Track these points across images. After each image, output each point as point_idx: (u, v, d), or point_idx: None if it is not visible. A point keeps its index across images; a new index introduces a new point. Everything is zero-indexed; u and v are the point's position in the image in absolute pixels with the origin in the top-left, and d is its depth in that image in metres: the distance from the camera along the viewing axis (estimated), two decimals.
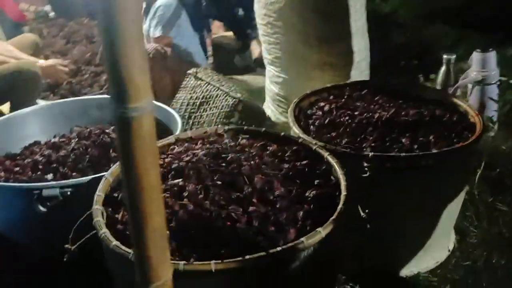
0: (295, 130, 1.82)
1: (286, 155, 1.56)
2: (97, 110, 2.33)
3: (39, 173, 1.80)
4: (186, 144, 1.63)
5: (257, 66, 3.88)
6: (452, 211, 1.86)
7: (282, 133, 1.70)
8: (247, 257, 1.13)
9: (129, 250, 1.17)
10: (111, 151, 1.84)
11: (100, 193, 1.40)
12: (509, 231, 1.99)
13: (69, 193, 1.59)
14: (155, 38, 3.34)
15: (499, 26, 3.60)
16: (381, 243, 1.79)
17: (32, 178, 1.79)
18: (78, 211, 1.35)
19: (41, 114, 2.26)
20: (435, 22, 4.15)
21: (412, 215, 1.73)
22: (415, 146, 1.72)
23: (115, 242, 1.20)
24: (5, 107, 3.07)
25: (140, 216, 0.67)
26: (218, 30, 4.65)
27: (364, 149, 1.73)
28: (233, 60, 4.10)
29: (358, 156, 1.63)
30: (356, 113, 1.96)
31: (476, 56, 2.56)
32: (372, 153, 1.63)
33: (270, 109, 2.73)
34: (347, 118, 1.92)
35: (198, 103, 2.65)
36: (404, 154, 1.63)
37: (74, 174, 1.75)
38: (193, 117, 2.64)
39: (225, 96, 2.56)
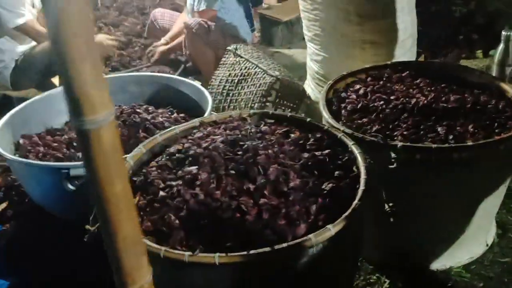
0: (324, 115, 1.76)
1: (308, 143, 1.51)
2: (136, 86, 2.37)
3: (72, 150, 1.87)
4: (208, 129, 1.61)
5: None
6: (490, 205, 1.75)
7: (308, 119, 1.64)
8: (252, 251, 1.11)
9: None
10: (140, 131, 1.86)
11: None
12: None
13: None
14: (199, 12, 3.31)
15: None
16: (409, 235, 1.72)
17: (66, 155, 1.85)
18: None
19: None
20: None
21: (444, 209, 1.64)
22: (451, 137, 1.61)
23: None
24: (56, 79, 3.20)
25: (109, 225, 0.67)
26: (270, 0, 4.56)
27: (395, 138, 1.64)
28: (280, 33, 4.01)
29: (386, 146, 1.56)
30: (392, 97, 1.86)
31: None
32: (401, 143, 1.54)
33: (310, 87, 2.66)
34: (381, 103, 1.83)
35: (236, 81, 2.62)
36: (435, 145, 1.53)
37: None
38: (231, 94, 2.62)
39: (263, 74, 2.51)
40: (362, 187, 1.29)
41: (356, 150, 1.45)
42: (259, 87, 2.51)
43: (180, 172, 1.39)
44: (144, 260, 0.74)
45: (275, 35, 4.01)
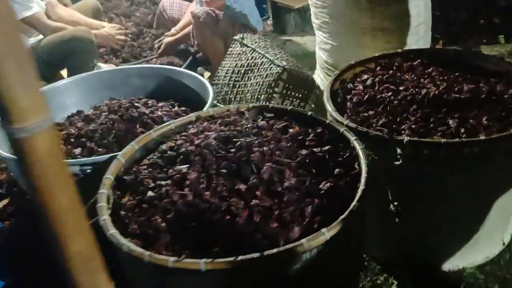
0: (328, 108, 1.67)
1: (307, 139, 1.43)
2: (138, 79, 2.31)
3: (69, 146, 1.82)
4: (204, 124, 1.54)
5: None
6: (507, 202, 1.63)
7: (310, 113, 1.56)
8: (240, 257, 1.04)
9: (124, 241, 1.13)
10: (137, 126, 1.81)
11: (109, 176, 1.36)
12: None
13: (88, 170, 1.59)
14: (207, 1, 3.23)
15: None
16: (418, 234, 1.63)
17: (65, 150, 1.80)
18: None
19: (83, 84, 2.28)
20: None
21: (456, 207, 1.54)
22: (462, 130, 1.50)
23: (112, 231, 1.17)
24: (63, 72, 3.17)
25: (56, 241, 0.60)
26: None
27: (402, 132, 1.55)
28: (293, 20, 3.90)
29: (391, 141, 1.46)
30: (401, 88, 1.75)
31: None
32: (408, 137, 1.44)
33: (319, 77, 2.57)
34: (389, 94, 1.73)
35: (242, 71, 2.53)
36: (444, 140, 1.42)
37: (100, 149, 1.74)
38: (237, 85, 2.54)
39: (270, 64, 2.42)
40: (362, 186, 1.21)
41: (358, 146, 1.36)
42: (265, 77, 2.42)
43: (170, 171, 1.32)
44: (101, 277, 0.67)
45: (287, 23, 3.90)
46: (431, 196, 1.51)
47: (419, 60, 1.95)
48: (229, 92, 2.57)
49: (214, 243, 1.12)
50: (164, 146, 1.44)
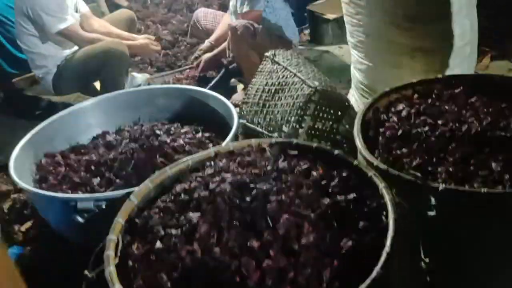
0: (358, 144, 1.55)
1: (331, 184, 1.31)
2: (164, 99, 2.26)
3: (88, 175, 1.78)
4: (222, 162, 1.45)
5: None
6: None
7: (336, 152, 1.44)
8: None
9: None
10: (157, 156, 1.74)
11: (119, 219, 1.30)
12: None
13: (103, 206, 1.53)
14: (242, 13, 3.13)
15: None
16: None
17: (82, 180, 1.77)
18: None
19: (109, 104, 2.24)
20: None
21: (501, 270, 1.38)
22: (507, 176, 1.34)
23: (116, 286, 1.10)
24: (97, 83, 3.16)
25: None
26: None
27: (439, 175, 1.40)
28: (331, 31, 3.75)
29: (425, 187, 1.32)
30: (440, 121, 1.60)
31: None
32: (444, 185, 1.30)
33: (354, 97, 2.43)
34: (426, 129, 1.58)
35: (273, 90, 2.42)
36: (485, 190, 1.27)
37: (118, 180, 1.69)
38: (267, 105, 2.43)
39: (301, 85, 2.30)
40: (388, 248, 1.08)
41: (387, 196, 1.24)
42: (296, 98, 2.30)
43: (182, 218, 1.24)
44: None
45: (325, 33, 3.76)
46: (471, 255, 1.36)
47: (461, 88, 1.78)
48: (259, 111, 2.47)
49: None
50: (178, 188, 1.36)
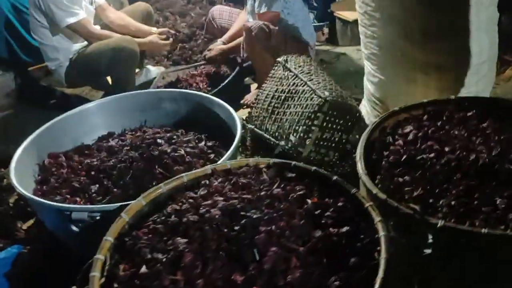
0: (359, 168, 1.49)
1: (325, 214, 1.27)
2: (170, 103, 2.23)
3: (88, 180, 1.77)
4: (216, 182, 1.42)
5: None
6: None
7: (335, 178, 1.39)
8: None
9: None
10: (157, 166, 1.72)
11: (108, 238, 1.28)
12: None
13: (98, 217, 1.52)
14: (259, 14, 3.07)
15: None
16: None
17: (81, 185, 1.76)
18: None
19: (116, 105, 2.23)
20: None
21: None
22: (511, 216, 1.29)
23: None
24: (108, 79, 3.16)
25: None
26: None
27: (439, 209, 1.35)
28: (350, 33, 3.67)
29: (423, 223, 1.27)
30: (447, 148, 1.54)
31: None
32: (442, 222, 1.25)
33: (366, 108, 2.36)
34: (432, 155, 1.52)
35: (283, 98, 2.38)
36: (486, 230, 1.21)
37: (115, 190, 1.68)
38: (276, 112, 2.39)
39: (311, 94, 2.25)
40: None
41: (381, 231, 1.19)
42: (305, 108, 2.25)
43: (170, 242, 1.22)
44: None
45: (343, 34, 3.67)
46: None
47: (474, 111, 1.71)
48: (268, 118, 2.43)
49: None
50: (169, 208, 1.34)
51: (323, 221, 1.25)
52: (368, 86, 2.26)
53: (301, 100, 2.28)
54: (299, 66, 2.42)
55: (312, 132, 2.23)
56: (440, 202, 1.37)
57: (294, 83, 2.35)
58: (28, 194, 1.61)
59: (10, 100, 3.83)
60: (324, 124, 2.24)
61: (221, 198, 1.31)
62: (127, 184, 1.68)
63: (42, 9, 2.88)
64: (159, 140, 1.85)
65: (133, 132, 2.05)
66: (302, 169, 1.45)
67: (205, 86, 3.29)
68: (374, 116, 2.28)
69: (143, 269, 1.17)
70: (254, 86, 3.36)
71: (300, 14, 3.16)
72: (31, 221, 2.11)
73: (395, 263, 1.14)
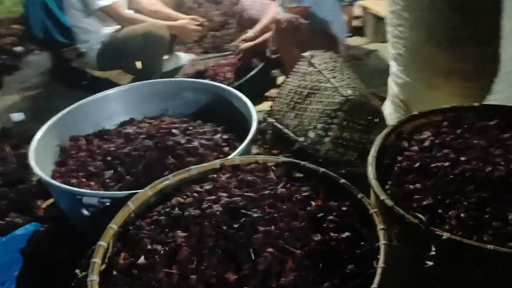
0: (369, 173, 1.46)
1: (328, 218, 1.26)
2: (190, 93, 2.24)
3: (103, 166, 1.81)
4: (223, 178, 1.42)
5: None
6: None
7: (342, 181, 1.38)
8: None
9: None
10: (170, 156, 1.73)
11: (113, 225, 1.31)
12: None
13: (107, 203, 1.55)
14: (290, 7, 3.04)
15: None
16: None
17: (96, 169, 1.80)
18: None
19: (137, 92, 2.26)
20: None
21: None
22: None
23: None
24: (138, 63, 3.19)
25: None
26: None
27: (448, 220, 1.32)
28: (383, 27, 3.57)
29: (427, 234, 1.24)
30: (463, 158, 1.50)
31: None
32: (448, 234, 1.22)
33: (389, 109, 2.32)
34: (446, 164, 1.48)
35: (305, 93, 2.36)
36: (492, 247, 1.17)
37: (127, 177, 1.70)
38: (297, 108, 2.37)
39: (333, 92, 2.22)
40: None
41: (382, 239, 1.18)
42: (326, 105, 2.23)
43: (170, 235, 1.23)
44: None
45: (375, 31, 3.60)
46: None
47: (497, 120, 1.65)
48: (289, 113, 2.42)
49: None
50: (174, 201, 1.35)
51: (324, 225, 1.24)
52: (393, 86, 2.21)
53: (322, 97, 2.26)
54: (324, 63, 2.39)
55: (331, 130, 2.21)
56: (449, 214, 1.33)
57: (317, 79, 2.33)
58: (43, 175, 1.66)
59: (44, 79, 3.94)
60: (344, 123, 2.22)
61: (225, 194, 1.32)
62: (139, 172, 1.71)
63: None
64: (174, 130, 1.86)
65: (152, 120, 2.07)
66: (310, 170, 1.44)
67: (232, 76, 3.28)
68: (396, 118, 2.23)
69: (141, 259, 1.19)
70: (281, 79, 3.34)
71: (331, 8, 3.11)
72: (51, 200, 2.16)
73: (395, 272, 1.13)
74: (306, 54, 2.45)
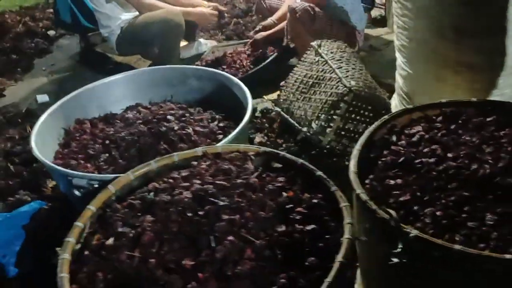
0: (350, 165, 1.44)
1: (296, 209, 1.26)
2: (195, 80, 2.27)
3: (102, 149, 1.86)
4: (203, 165, 1.44)
5: None
6: None
7: (319, 173, 1.37)
8: None
9: None
10: (162, 142, 1.77)
11: (90, 207, 1.36)
12: None
13: (96, 185, 1.60)
14: None
15: None
16: None
17: (94, 152, 1.85)
18: None
19: (143, 78, 2.31)
20: None
21: None
22: (494, 234, 1.20)
23: (61, 275, 1.17)
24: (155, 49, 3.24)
25: None
26: None
27: (423, 217, 1.29)
28: None
29: (396, 231, 1.22)
30: (450, 154, 1.45)
31: None
32: (416, 232, 1.19)
33: (395, 101, 2.27)
34: (432, 160, 1.44)
35: (310, 83, 2.35)
36: (459, 247, 1.14)
37: (120, 161, 1.75)
38: (302, 98, 2.36)
39: (337, 82, 2.19)
40: None
41: (346, 234, 1.17)
42: (330, 96, 2.21)
43: (141, 219, 1.27)
44: None
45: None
46: None
47: (494, 117, 1.59)
48: (294, 102, 2.41)
49: None
50: (151, 186, 1.38)
51: (291, 216, 1.24)
52: (398, 78, 2.16)
53: (327, 87, 2.24)
54: (331, 52, 2.36)
55: (333, 121, 2.18)
56: (425, 211, 1.30)
57: (323, 69, 2.31)
58: (39, 155, 1.72)
59: (72, 62, 4.07)
60: (347, 114, 2.19)
61: (198, 182, 1.33)
62: (132, 156, 1.75)
63: None
64: (169, 117, 1.90)
65: (152, 106, 2.11)
66: (289, 161, 1.43)
67: (248, 64, 3.28)
68: None
69: (110, 241, 1.23)
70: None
71: None
72: None
73: (371, 268, 1.12)
74: (313, 43, 2.43)
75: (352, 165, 1.44)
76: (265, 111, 2.74)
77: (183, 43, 3.70)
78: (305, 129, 2.29)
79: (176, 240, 1.17)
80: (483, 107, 1.65)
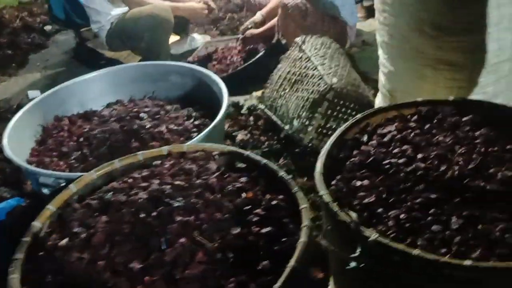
0: (317, 166, 1.41)
1: (254, 211, 1.23)
2: (176, 77, 2.24)
3: (75, 146, 1.84)
4: (166, 164, 1.42)
5: None
6: None
7: (281, 173, 1.34)
8: None
9: None
10: (133, 140, 1.74)
11: (50, 206, 1.34)
12: None
13: (63, 183, 1.59)
14: None
15: None
16: None
17: (69, 149, 1.84)
18: None
19: (125, 74, 2.29)
20: None
21: None
22: (457, 239, 1.16)
23: (12, 276, 1.15)
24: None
25: None
26: None
27: (386, 220, 1.25)
28: None
29: (355, 234, 1.19)
30: (420, 155, 1.41)
31: None
32: (376, 235, 1.16)
33: (378, 99, 2.22)
34: (401, 161, 1.40)
35: (293, 80, 2.31)
36: (418, 252, 1.11)
37: (90, 159, 1.73)
38: (284, 95, 2.32)
39: (319, 79, 2.16)
40: None
41: (303, 237, 1.14)
42: (311, 93, 2.17)
43: (97, 219, 1.25)
44: None
45: None
46: None
47: (471, 116, 1.54)
48: (278, 99, 2.38)
49: None
50: (110, 185, 1.36)
51: (247, 218, 1.21)
52: (380, 76, 2.11)
53: (308, 84, 2.21)
54: (315, 49, 2.32)
55: (314, 119, 2.15)
56: (389, 214, 1.26)
57: (305, 66, 2.27)
58: (10, 152, 1.71)
59: (66, 58, 4.06)
60: (329, 112, 2.15)
61: (157, 182, 1.31)
62: (103, 154, 1.73)
63: None
64: (141, 114, 1.87)
65: (129, 103, 2.09)
66: (253, 161, 1.40)
67: (239, 60, 3.25)
68: None
69: (63, 241, 1.21)
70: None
71: None
72: None
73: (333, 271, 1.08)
74: (297, 39, 2.39)
75: (319, 165, 1.41)
76: (251, 108, 2.71)
77: (176, 38, 3.68)
78: (287, 127, 2.25)
79: (128, 241, 1.14)
80: (460, 106, 1.60)
